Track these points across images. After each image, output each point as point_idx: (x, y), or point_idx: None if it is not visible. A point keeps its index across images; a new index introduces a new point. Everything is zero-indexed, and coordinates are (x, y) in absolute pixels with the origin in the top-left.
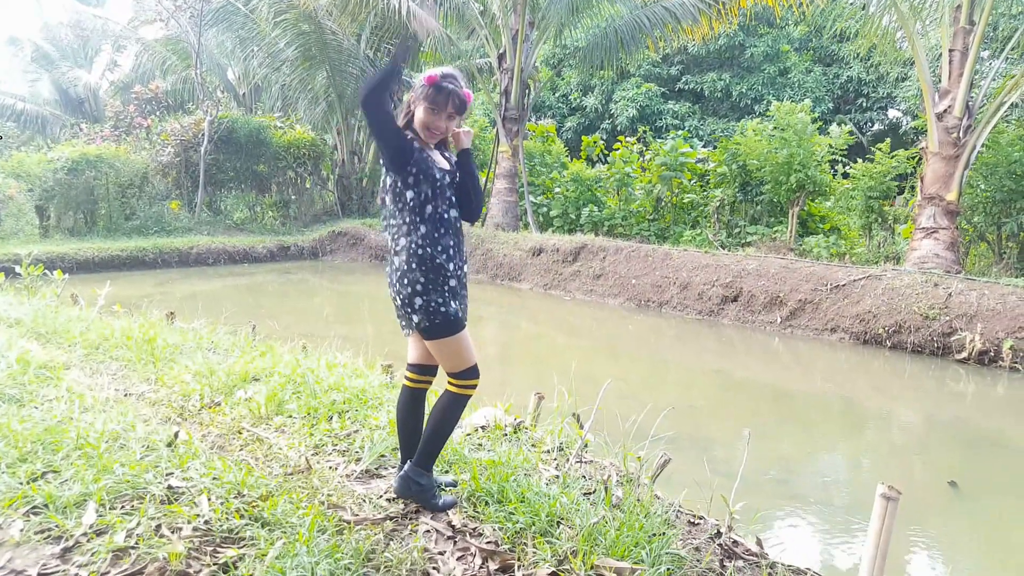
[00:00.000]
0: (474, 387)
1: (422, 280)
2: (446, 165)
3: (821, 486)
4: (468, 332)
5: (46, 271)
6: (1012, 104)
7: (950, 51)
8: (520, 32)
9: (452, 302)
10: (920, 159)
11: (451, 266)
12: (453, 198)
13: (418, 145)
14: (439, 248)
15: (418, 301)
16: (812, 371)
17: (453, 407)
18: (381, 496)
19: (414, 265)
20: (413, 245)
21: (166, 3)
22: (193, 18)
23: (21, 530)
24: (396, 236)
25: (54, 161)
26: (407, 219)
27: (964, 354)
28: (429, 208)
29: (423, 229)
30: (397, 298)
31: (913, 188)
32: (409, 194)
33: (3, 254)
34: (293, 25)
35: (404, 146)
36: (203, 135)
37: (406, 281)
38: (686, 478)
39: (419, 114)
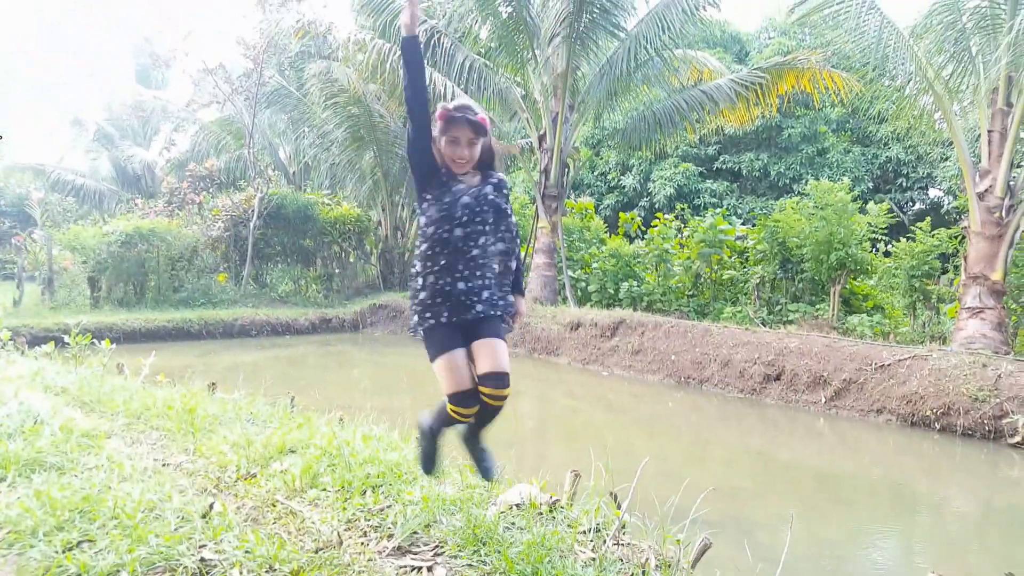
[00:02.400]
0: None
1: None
2: (474, 183)
3: (870, 574)
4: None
5: (94, 340)
6: None
7: (989, 132)
8: (560, 115)
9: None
10: (963, 238)
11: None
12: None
13: (445, 176)
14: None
15: None
16: (859, 453)
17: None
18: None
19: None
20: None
21: (223, 86)
22: (248, 100)
23: None
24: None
25: (109, 235)
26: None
27: (1018, 438)
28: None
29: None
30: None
31: (957, 267)
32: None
33: (55, 323)
34: (343, 108)
35: (427, 123)
36: (253, 211)
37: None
38: (727, 563)
39: (443, 149)
